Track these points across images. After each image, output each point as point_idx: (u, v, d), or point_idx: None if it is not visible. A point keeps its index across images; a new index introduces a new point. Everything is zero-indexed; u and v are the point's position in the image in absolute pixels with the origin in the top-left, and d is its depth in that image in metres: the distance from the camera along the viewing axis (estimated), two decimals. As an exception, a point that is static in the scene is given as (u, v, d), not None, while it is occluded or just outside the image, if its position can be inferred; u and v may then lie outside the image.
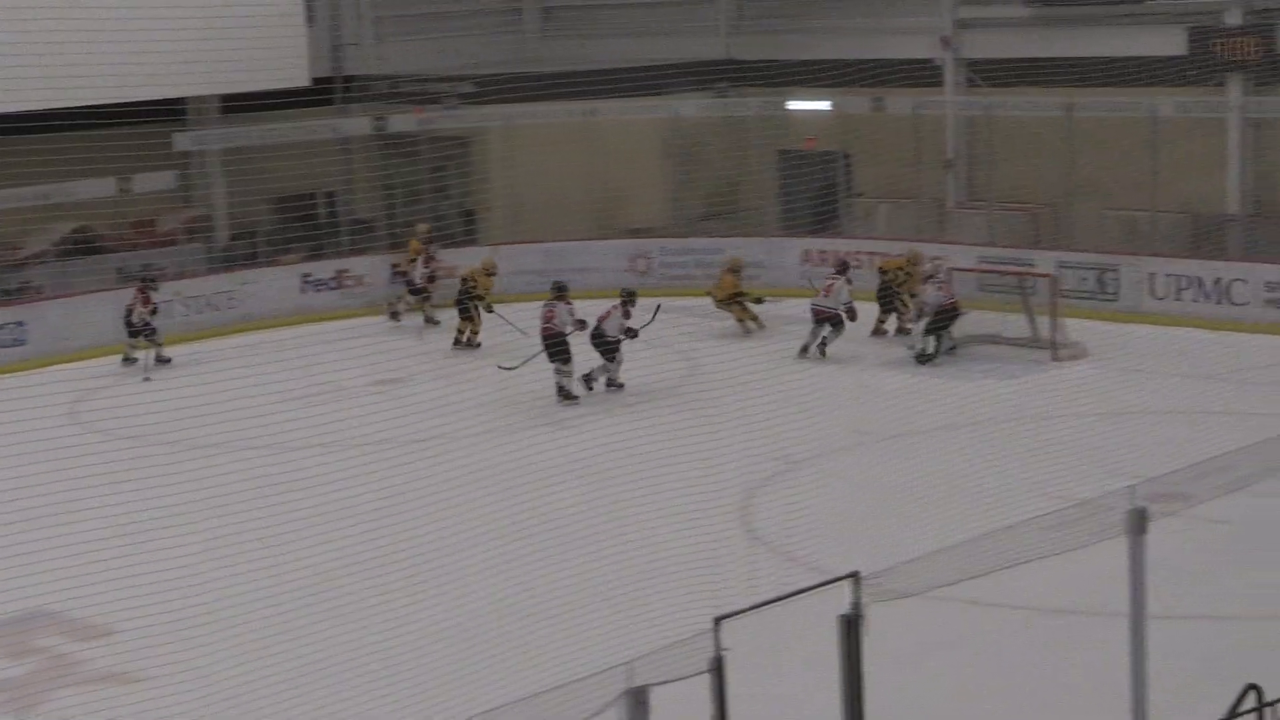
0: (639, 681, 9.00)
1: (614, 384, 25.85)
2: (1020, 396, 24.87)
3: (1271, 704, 9.91)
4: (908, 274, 29.08)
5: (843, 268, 28.74)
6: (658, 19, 38.91)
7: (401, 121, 36.12)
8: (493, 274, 30.17)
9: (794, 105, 36.13)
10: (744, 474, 20.96)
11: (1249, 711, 10.03)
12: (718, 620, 9.62)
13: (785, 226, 35.93)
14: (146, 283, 29.74)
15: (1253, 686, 10.10)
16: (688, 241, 34.67)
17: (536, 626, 15.92)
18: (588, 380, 25.81)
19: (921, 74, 34.69)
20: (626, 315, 26.15)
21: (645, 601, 15.78)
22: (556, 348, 25.59)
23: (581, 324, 26.12)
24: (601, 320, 26.06)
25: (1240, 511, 17.30)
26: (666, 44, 37.85)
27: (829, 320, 28.10)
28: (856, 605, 10.14)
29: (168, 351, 29.27)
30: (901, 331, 29.13)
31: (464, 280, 29.97)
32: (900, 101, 34.52)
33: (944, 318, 27.38)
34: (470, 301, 29.49)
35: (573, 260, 33.88)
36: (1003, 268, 28.91)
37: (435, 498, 18.49)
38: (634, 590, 16.51)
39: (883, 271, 29.62)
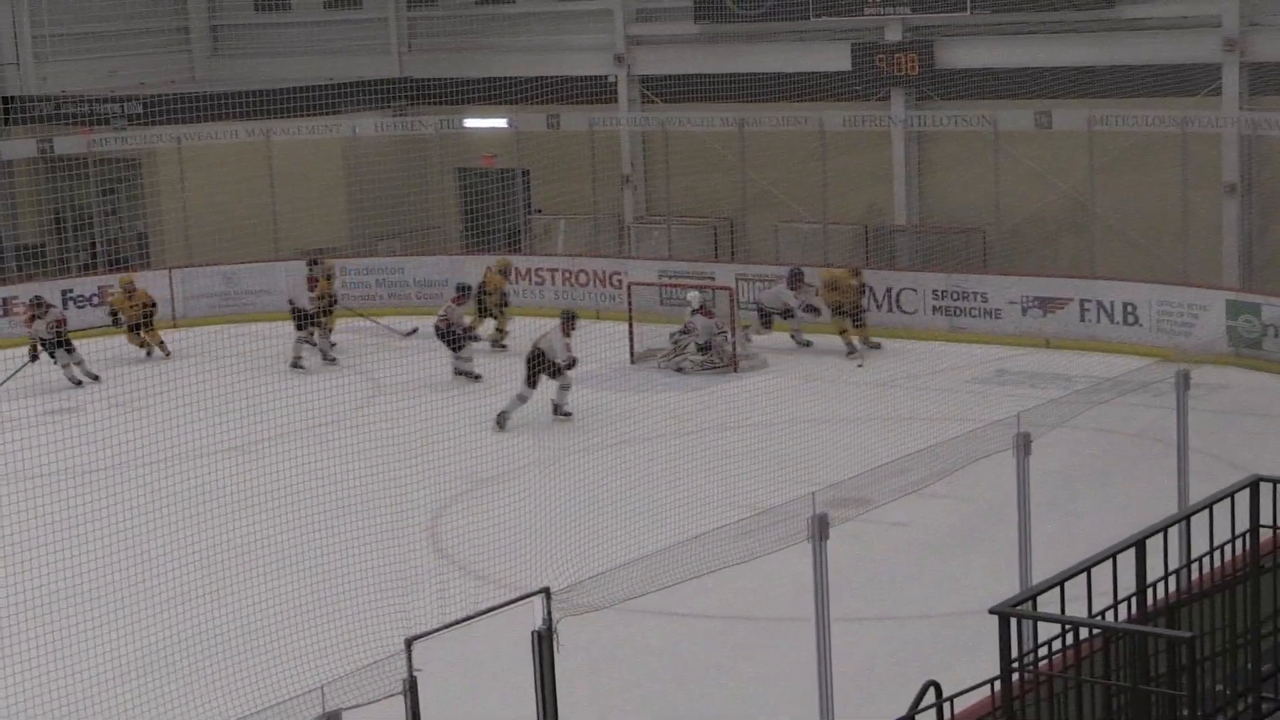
0: (331, 706, 8.92)
1: (561, 412, 25.18)
2: (704, 408, 25.22)
3: (950, 699, 10.19)
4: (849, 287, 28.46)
5: (796, 277, 28.43)
6: (330, 37, 38.67)
7: (68, 143, 35.18)
8: (507, 274, 30.23)
9: (471, 123, 36.26)
10: (431, 493, 20.89)
11: (929, 708, 10.29)
12: (409, 641, 9.58)
13: (467, 244, 35.98)
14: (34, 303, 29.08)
15: (932, 683, 10.37)
16: (369, 261, 34.43)
17: (226, 654, 15.63)
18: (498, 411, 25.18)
19: (596, 90, 35.01)
20: (566, 334, 25.54)
21: (336, 625, 15.61)
22: (450, 339, 26.98)
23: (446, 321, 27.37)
24: (538, 341, 25.47)
25: (916, 513, 17.81)
26: (341, 62, 37.70)
27: (779, 314, 28.67)
28: (548, 620, 10.17)
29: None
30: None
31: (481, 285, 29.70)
32: (576, 118, 34.76)
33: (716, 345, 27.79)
34: (486, 298, 29.60)
35: (252, 282, 33.47)
36: (682, 282, 29.28)
37: (113, 528, 18.02)
38: (324, 614, 16.31)
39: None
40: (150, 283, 32.90)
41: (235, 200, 34.81)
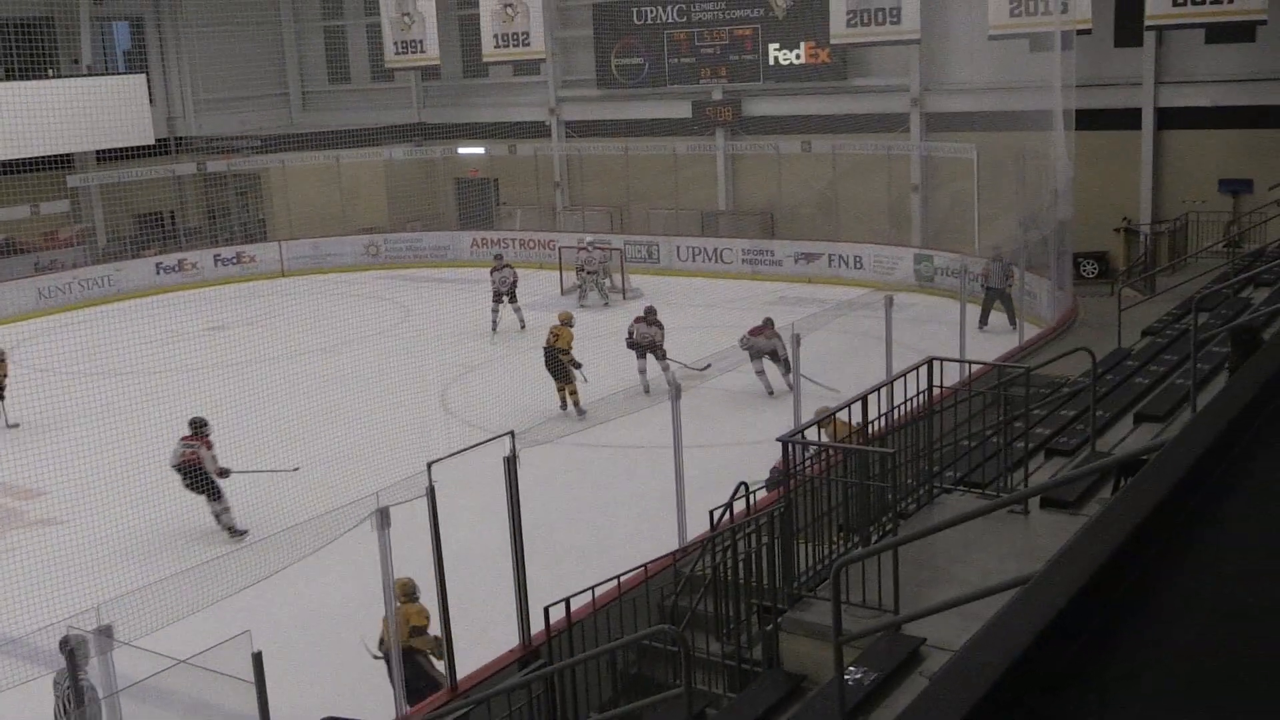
0: (383, 504, 8.76)
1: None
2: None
3: (753, 490, 9.90)
4: None
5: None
6: (378, 98, 37.55)
7: (214, 165, 34.06)
8: (570, 324, 18.38)
9: (462, 150, 35.49)
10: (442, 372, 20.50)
11: (741, 497, 10.21)
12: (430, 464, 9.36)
13: (460, 223, 35.41)
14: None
15: (743, 483, 10.32)
16: (402, 236, 33.92)
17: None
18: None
19: (538, 131, 34.44)
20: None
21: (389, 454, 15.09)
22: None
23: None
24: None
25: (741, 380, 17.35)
26: (380, 114, 36.73)
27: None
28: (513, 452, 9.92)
29: None
30: None
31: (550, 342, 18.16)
32: (525, 147, 34.21)
33: None
34: (560, 357, 17.93)
35: (330, 249, 32.88)
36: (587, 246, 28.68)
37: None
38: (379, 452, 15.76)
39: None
40: (266, 251, 32.17)
41: (318, 201, 34.15)
